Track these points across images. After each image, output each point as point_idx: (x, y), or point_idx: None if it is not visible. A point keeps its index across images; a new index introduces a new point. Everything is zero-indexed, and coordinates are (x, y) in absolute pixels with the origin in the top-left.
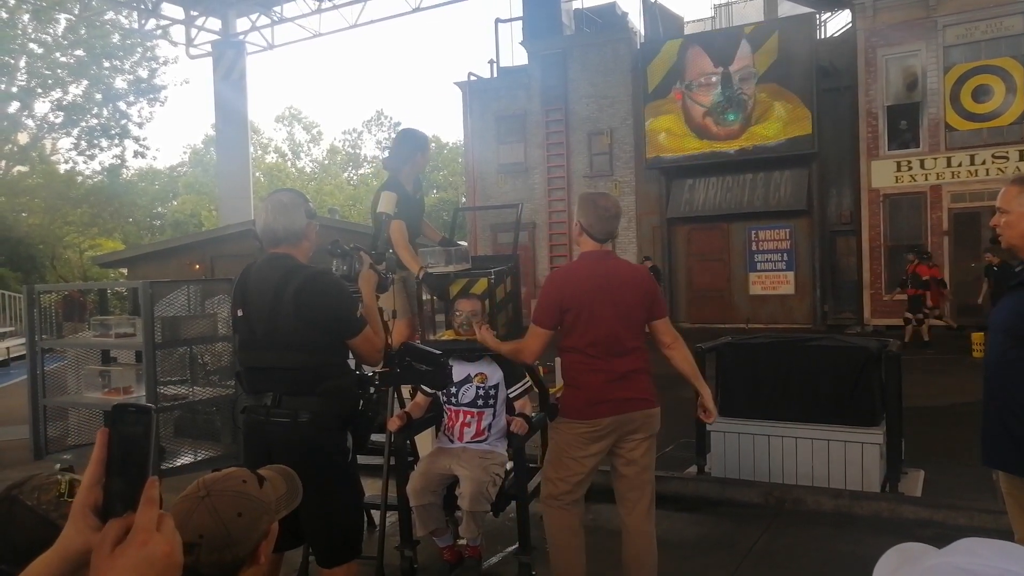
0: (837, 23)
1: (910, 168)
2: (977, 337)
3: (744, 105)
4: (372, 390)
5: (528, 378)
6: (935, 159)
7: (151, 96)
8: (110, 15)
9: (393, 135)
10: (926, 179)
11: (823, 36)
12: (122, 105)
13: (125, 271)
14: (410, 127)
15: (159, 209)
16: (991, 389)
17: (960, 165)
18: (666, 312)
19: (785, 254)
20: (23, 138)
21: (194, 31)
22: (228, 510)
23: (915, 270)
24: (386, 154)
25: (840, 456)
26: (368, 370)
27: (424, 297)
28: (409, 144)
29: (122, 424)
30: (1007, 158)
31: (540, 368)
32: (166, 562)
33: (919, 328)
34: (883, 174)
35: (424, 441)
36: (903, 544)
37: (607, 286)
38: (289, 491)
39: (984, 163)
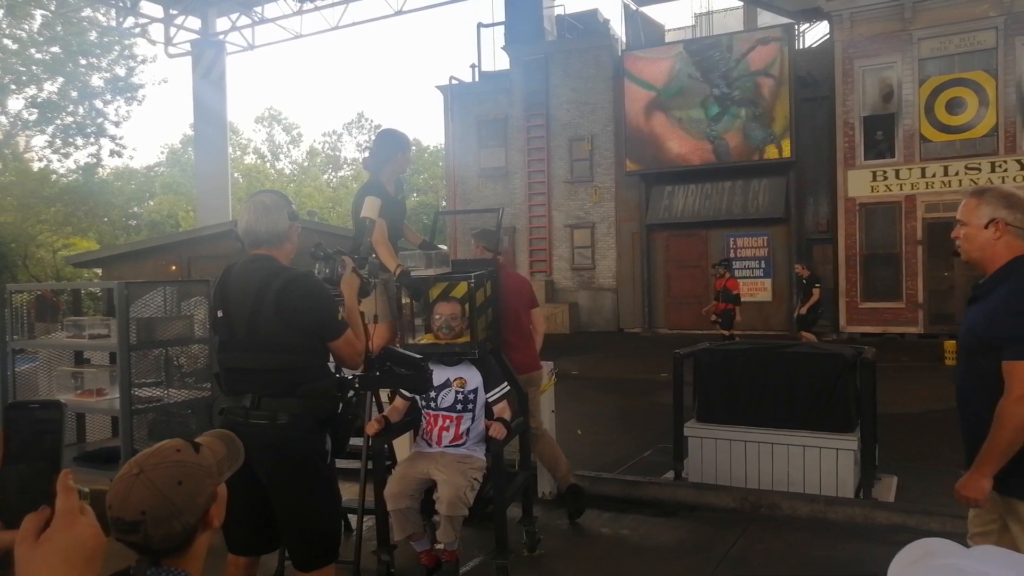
0: (815, 34)
1: (885, 178)
2: (949, 345)
3: (724, 113)
4: (351, 393)
5: (507, 383)
6: (910, 169)
7: (128, 95)
8: (87, 12)
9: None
10: (901, 189)
11: (801, 46)
12: (98, 103)
13: (99, 271)
14: (390, 128)
15: (135, 209)
16: (963, 404)
17: (934, 176)
18: None
19: (763, 261)
20: None
21: (173, 30)
22: (166, 481)
23: (726, 284)
24: (366, 155)
25: (815, 462)
26: (348, 373)
27: (404, 301)
28: (389, 145)
29: (23, 422)
30: (979, 169)
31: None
32: (95, 542)
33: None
34: (859, 183)
35: (402, 445)
36: (931, 539)
37: None
38: (229, 452)
39: (957, 174)
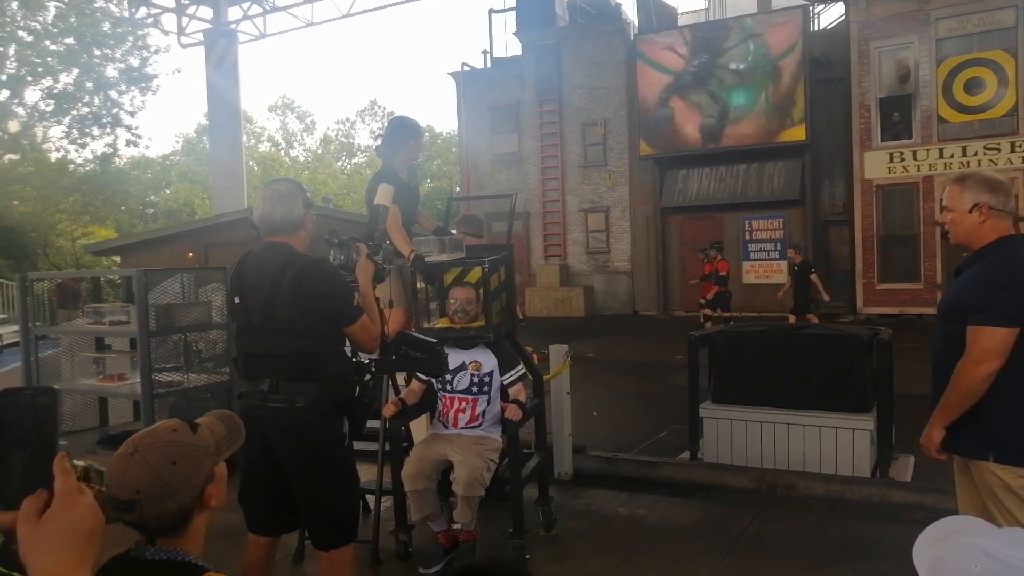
0: (830, 15)
1: (903, 159)
2: None
3: (738, 95)
4: (368, 377)
5: (522, 365)
6: (927, 150)
7: (143, 85)
8: (100, 3)
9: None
10: (918, 170)
11: (816, 28)
12: (113, 94)
13: (118, 259)
14: (403, 115)
15: (152, 198)
16: (939, 373)
17: (952, 156)
18: None
19: (778, 243)
20: (13, 126)
21: (185, 20)
22: (161, 460)
23: (716, 267)
24: (379, 143)
25: (831, 442)
26: (364, 357)
27: (419, 286)
28: (402, 132)
29: (21, 408)
30: (999, 150)
31: (535, 355)
32: (94, 520)
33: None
34: (876, 165)
35: (419, 427)
36: (960, 517)
37: None
38: (230, 432)
39: (976, 155)
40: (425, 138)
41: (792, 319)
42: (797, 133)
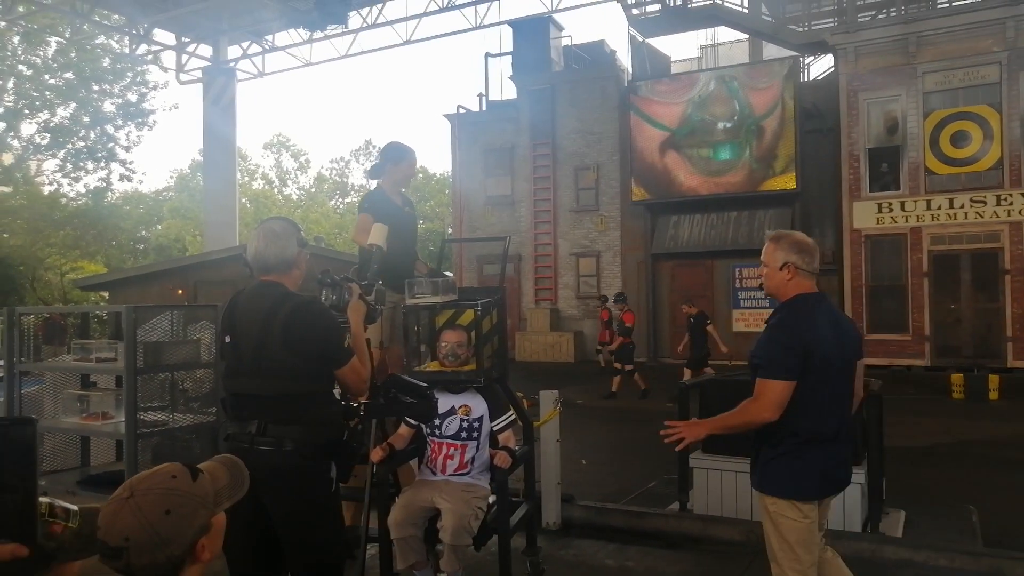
0: (820, 66)
1: (891, 210)
2: (956, 378)
3: (730, 144)
4: (357, 421)
5: (512, 411)
6: (915, 201)
7: (139, 120)
8: (101, 39)
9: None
10: (907, 221)
11: (807, 79)
12: (110, 128)
13: (106, 295)
14: (395, 140)
15: (143, 233)
16: None
17: (940, 208)
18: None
19: None
20: (7, 158)
21: (185, 57)
22: (154, 509)
23: (622, 318)
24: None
25: None
26: (353, 400)
27: (413, 327)
28: (393, 152)
29: None
30: (985, 202)
31: (525, 401)
32: None
33: (632, 377)
34: (865, 215)
35: (406, 473)
36: None
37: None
38: (233, 480)
39: (963, 207)
40: (415, 165)
41: (688, 374)
42: (787, 181)
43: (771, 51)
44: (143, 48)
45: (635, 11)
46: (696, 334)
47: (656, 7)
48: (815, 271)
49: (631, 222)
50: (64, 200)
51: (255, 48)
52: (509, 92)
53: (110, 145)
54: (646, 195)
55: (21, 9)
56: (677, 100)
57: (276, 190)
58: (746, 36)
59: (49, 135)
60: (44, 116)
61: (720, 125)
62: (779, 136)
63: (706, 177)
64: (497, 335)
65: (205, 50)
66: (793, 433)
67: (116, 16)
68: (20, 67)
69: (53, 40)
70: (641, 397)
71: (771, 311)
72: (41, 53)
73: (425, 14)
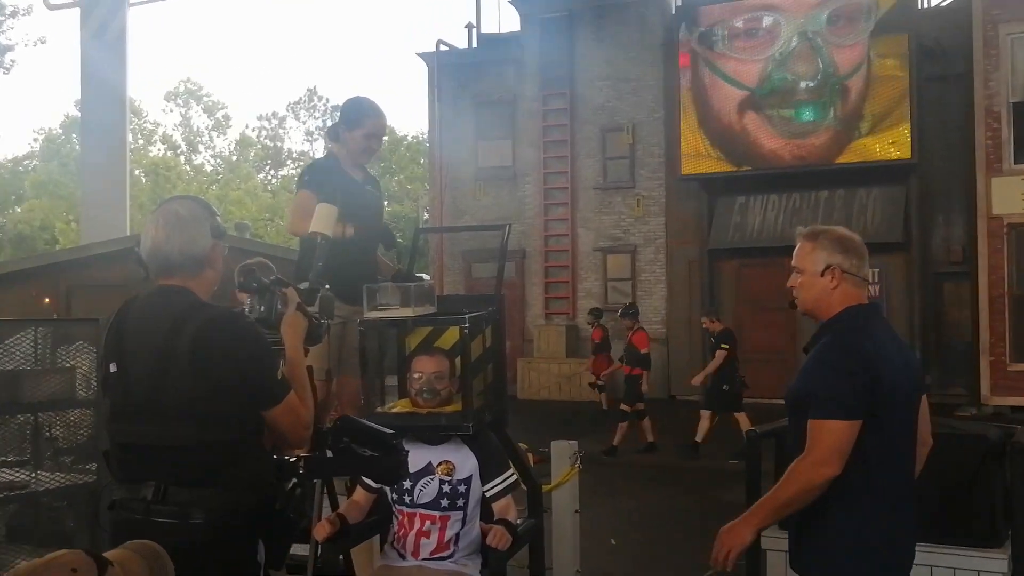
0: None
1: None
2: None
3: (817, 98)
4: (294, 482)
5: (513, 470)
6: None
7: None
8: None
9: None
10: None
11: (926, 4)
12: None
13: None
14: (358, 95)
15: None
16: (783, 468)
17: None
18: None
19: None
20: None
21: None
22: None
23: (631, 339)
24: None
25: None
26: (289, 454)
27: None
28: (351, 112)
29: None
30: None
31: (530, 455)
32: None
33: (640, 423)
34: (1008, 196)
35: (363, 556)
36: None
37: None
38: (153, 574)
39: None
40: (383, 129)
41: (707, 420)
42: (898, 148)
43: None
44: None
45: None
46: (721, 361)
47: None
48: (865, 277)
49: (680, 205)
50: None
51: None
52: (510, 23)
53: None
54: (702, 166)
55: None
56: (746, 35)
57: (183, 158)
58: None
59: None
60: None
61: (805, 71)
62: (888, 86)
63: (786, 142)
64: (492, 363)
65: None
66: (853, 493)
67: None
68: None
69: None
70: (644, 450)
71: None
72: None
73: None
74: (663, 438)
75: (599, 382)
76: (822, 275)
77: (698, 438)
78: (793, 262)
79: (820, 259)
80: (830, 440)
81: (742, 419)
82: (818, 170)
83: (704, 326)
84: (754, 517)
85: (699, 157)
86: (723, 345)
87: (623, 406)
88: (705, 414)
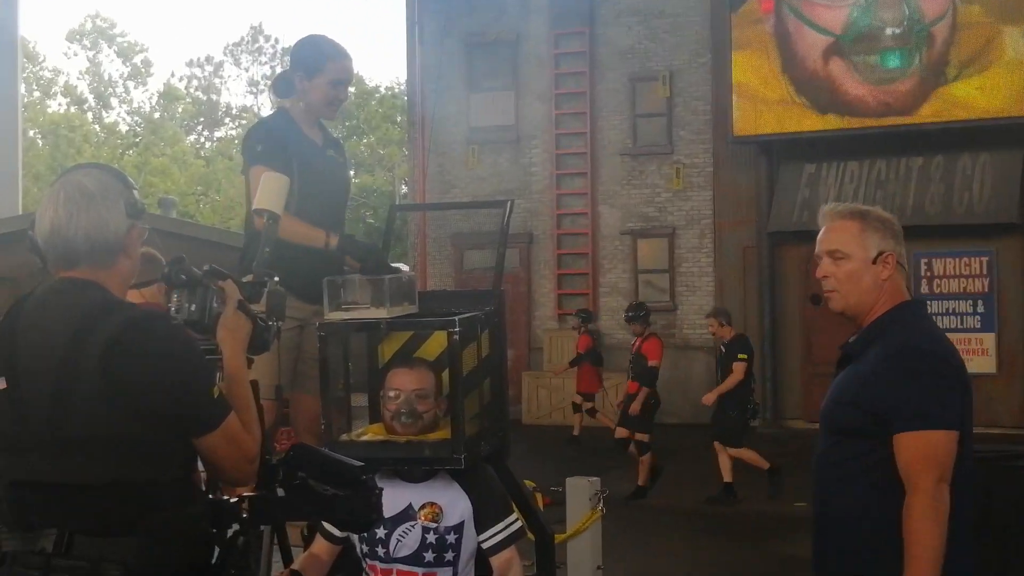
0: None
1: None
2: None
3: (910, 40)
4: (236, 529)
5: (515, 514)
6: None
7: None
8: None
9: (279, 69)
10: None
11: None
12: None
13: None
14: (314, 34)
15: None
16: (824, 506)
17: None
18: None
19: (980, 301)
20: None
21: None
22: None
23: (640, 347)
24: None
25: None
26: (230, 493)
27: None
28: (306, 55)
29: None
30: None
31: (539, 496)
32: None
33: (641, 459)
34: None
35: None
36: None
37: None
38: None
39: None
40: (349, 76)
41: (723, 455)
42: (1016, 106)
43: None
44: None
45: None
46: (725, 374)
47: None
48: (906, 269)
49: (732, 175)
50: None
51: None
52: None
53: None
54: (761, 125)
55: None
56: None
57: (91, 115)
58: None
59: None
60: None
61: (892, 23)
62: (997, 23)
63: (869, 95)
64: (489, 378)
65: None
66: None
67: None
68: None
69: None
70: (635, 496)
71: (986, 334)
72: None
73: None
74: (705, 474)
75: (586, 403)
76: (874, 262)
77: (727, 478)
78: (828, 246)
79: (872, 243)
80: (943, 453)
81: (747, 455)
82: (911, 131)
83: (711, 331)
84: None
85: (758, 114)
86: (740, 356)
87: (638, 435)
88: (720, 447)
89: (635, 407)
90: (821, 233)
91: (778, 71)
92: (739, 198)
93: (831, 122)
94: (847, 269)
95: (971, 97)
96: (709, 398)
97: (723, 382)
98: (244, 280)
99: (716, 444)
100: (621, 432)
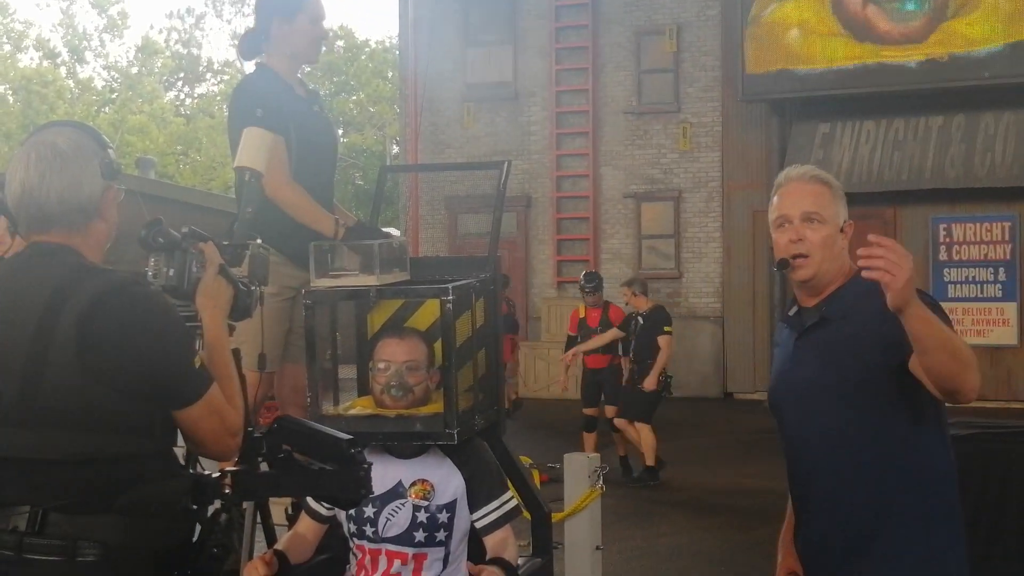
0: None
1: None
2: None
3: None
4: (218, 506)
5: (510, 492)
6: None
7: None
8: None
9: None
10: None
11: None
12: None
13: None
14: None
15: None
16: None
17: None
18: None
19: (1000, 268)
20: None
21: None
22: None
23: (611, 316)
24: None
25: None
26: (210, 468)
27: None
28: (276, 5)
29: None
30: None
31: (536, 473)
32: None
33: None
34: None
35: None
36: None
37: None
38: None
39: None
40: (323, 18)
41: (631, 433)
42: None
43: None
44: None
45: None
46: (643, 348)
47: None
48: None
49: (742, 135)
50: None
51: None
52: None
53: None
54: (773, 83)
55: None
56: None
57: (64, 69)
58: None
59: None
60: None
61: None
62: None
63: (886, 48)
64: (484, 349)
65: None
66: (952, 495)
67: None
68: None
69: None
70: (626, 475)
71: (1008, 303)
72: None
73: None
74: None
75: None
76: (842, 231)
77: (649, 461)
78: (805, 208)
79: (840, 211)
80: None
81: (644, 433)
82: (931, 88)
83: (625, 301)
84: (914, 293)
85: (770, 70)
86: (667, 328)
87: (598, 409)
88: (625, 423)
89: (650, 381)
90: (790, 196)
91: (767, 25)
92: (749, 159)
93: (852, 50)
94: (824, 234)
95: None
96: (651, 382)
97: (655, 359)
98: (225, 243)
99: (620, 421)
100: (610, 411)
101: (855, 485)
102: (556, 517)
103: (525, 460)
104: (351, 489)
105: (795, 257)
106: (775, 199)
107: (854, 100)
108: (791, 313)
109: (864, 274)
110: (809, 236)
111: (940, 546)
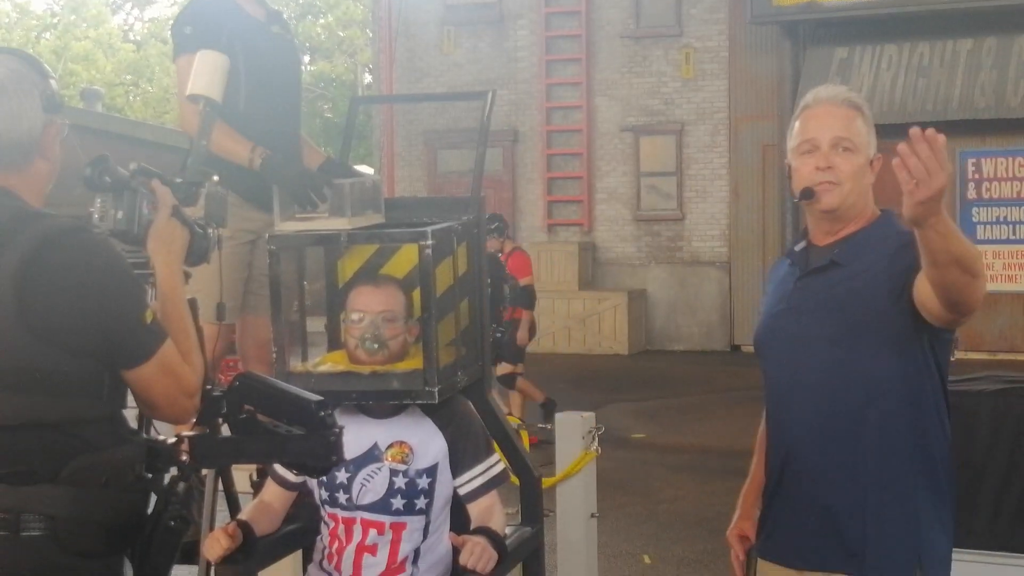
0: None
1: None
2: None
3: None
4: (174, 474)
5: (496, 455)
6: None
7: None
8: None
9: None
10: None
11: None
12: None
13: None
14: None
15: None
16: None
17: None
18: None
19: None
20: None
21: None
22: None
23: (507, 262)
24: None
25: None
26: (165, 432)
27: (293, 279)
28: None
29: None
30: None
31: (525, 434)
32: None
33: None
34: None
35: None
36: None
37: None
38: None
39: None
40: None
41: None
42: None
43: None
44: None
45: None
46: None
47: None
48: None
49: (751, 61)
50: None
51: None
52: None
53: None
54: (785, 2)
55: None
56: None
57: None
58: None
59: None
60: None
61: None
62: None
63: None
64: (468, 299)
65: None
66: (944, 453)
67: None
68: None
69: None
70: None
71: None
72: None
73: None
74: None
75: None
76: (871, 164)
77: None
78: (836, 132)
79: (873, 142)
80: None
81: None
82: (958, 8)
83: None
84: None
85: None
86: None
87: (506, 365)
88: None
89: (523, 336)
90: (819, 119)
91: None
92: (758, 88)
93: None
94: (855, 163)
95: None
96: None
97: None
98: (178, 180)
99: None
100: (506, 368)
101: (843, 438)
102: (547, 482)
103: (513, 420)
104: (321, 455)
105: (823, 183)
106: (798, 123)
107: (874, 21)
108: (797, 248)
109: (894, 164)
110: (840, 164)
111: (926, 506)
